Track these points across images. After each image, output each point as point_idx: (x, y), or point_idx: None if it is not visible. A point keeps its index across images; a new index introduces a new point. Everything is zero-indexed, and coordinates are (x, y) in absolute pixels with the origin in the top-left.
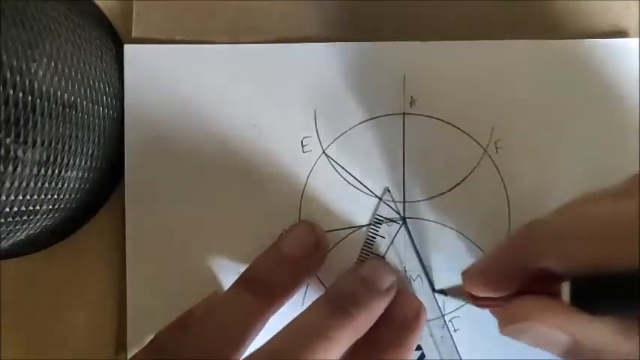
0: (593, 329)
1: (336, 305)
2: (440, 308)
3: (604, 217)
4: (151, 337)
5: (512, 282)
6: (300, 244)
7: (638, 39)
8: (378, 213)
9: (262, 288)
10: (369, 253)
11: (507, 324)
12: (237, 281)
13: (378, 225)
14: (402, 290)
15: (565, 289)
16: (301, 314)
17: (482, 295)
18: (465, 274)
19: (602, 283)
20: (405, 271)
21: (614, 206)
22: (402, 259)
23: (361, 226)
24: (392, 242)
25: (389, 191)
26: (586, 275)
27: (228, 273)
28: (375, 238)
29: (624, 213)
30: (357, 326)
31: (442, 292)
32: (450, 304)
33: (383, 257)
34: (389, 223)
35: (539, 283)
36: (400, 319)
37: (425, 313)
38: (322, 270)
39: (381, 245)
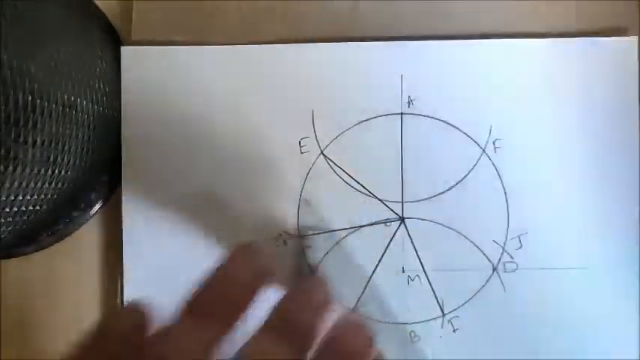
0: None
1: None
2: (441, 307)
3: None
4: None
5: None
6: (244, 267)
7: (637, 37)
8: (376, 212)
9: (210, 314)
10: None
11: None
12: (181, 308)
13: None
14: (351, 318)
15: None
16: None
17: None
18: None
19: None
20: (404, 271)
21: None
22: (400, 259)
23: (360, 227)
24: (390, 242)
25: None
26: None
27: None
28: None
29: None
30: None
31: None
32: (449, 304)
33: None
34: (388, 224)
35: None
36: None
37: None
38: (319, 271)
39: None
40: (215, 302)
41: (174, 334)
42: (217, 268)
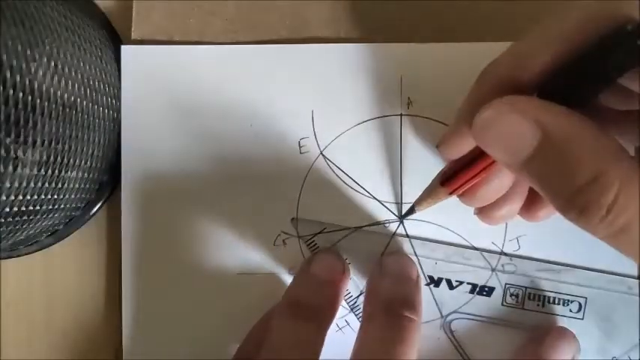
0: (563, 116)
1: (394, 314)
2: (439, 310)
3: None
4: (147, 338)
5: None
6: (331, 268)
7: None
8: (375, 213)
9: (314, 314)
10: None
11: (479, 115)
12: (287, 309)
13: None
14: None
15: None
16: (364, 335)
17: (462, 150)
18: (445, 136)
19: (567, 70)
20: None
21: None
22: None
23: (359, 227)
24: (389, 243)
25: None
26: (550, 79)
27: (225, 274)
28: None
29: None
30: (417, 325)
31: (411, 211)
32: (448, 305)
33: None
34: (387, 224)
35: None
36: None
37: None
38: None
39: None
40: (312, 302)
41: (288, 334)
42: (307, 270)
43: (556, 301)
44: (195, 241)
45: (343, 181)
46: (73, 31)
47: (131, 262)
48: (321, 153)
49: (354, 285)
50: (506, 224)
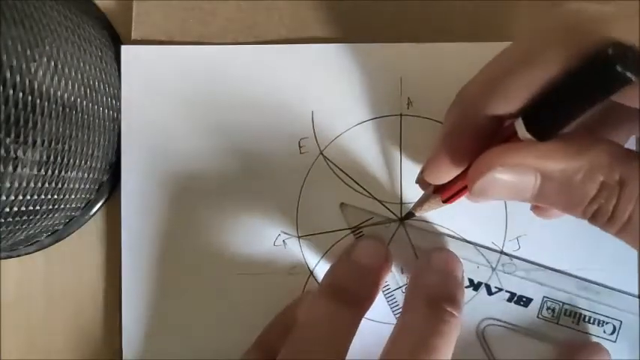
0: (554, 154)
1: (437, 307)
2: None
3: (519, 48)
4: (147, 338)
5: (470, 147)
6: (374, 255)
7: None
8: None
9: (352, 298)
10: None
11: (473, 183)
12: (325, 290)
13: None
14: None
15: (518, 123)
16: (403, 325)
17: (446, 178)
18: (427, 163)
19: (549, 101)
20: (403, 272)
21: (525, 36)
22: (400, 260)
23: (359, 227)
24: (389, 243)
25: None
26: (533, 106)
27: (225, 274)
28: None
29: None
30: (458, 322)
31: (410, 215)
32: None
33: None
34: (387, 225)
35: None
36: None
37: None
38: (321, 271)
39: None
40: (351, 287)
41: (323, 313)
42: (349, 255)
43: (591, 321)
44: (195, 241)
45: (343, 181)
46: (73, 31)
47: (131, 262)
48: (321, 153)
49: (393, 279)
50: (506, 224)
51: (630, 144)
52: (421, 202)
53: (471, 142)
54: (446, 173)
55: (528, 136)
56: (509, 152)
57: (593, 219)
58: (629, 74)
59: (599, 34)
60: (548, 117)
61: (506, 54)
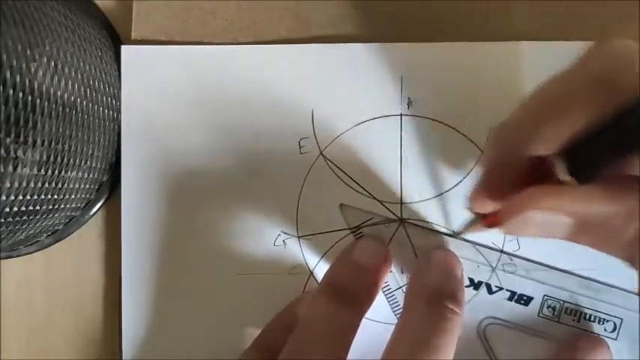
0: (592, 198)
1: (438, 304)
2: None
3: (559, 87)
4: (147, 339)
5: (508, 184)
6: (374, 255)
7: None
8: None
9: (351, 298)
10: None
11: (507, 222)
12: (325, 289)
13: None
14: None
15: (558, 164)
16: (403, 323)
17: (488, 209)
18: (471, 194)
19: (590, 144)
20: (403, 272)
21: (567, 74)
22: (400, 260)
23: (358, 228)
24: (389, 243)
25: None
26: (574, 148)
27: (225, 274)
28: None
29: (575, 75)
30: (459, 319)
31: (456, 234)
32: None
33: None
34: (387, 225)
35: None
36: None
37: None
38: (321, 271)
39: None
40: (351, 287)
41: (322, 313)
42: (348, 254)
43: (592, 319)
44: (195, 241)
45: (343, 181)
46: (73, 31)
47: (131, 262)
48: (321, 153)
49: (394, 279)
50: None
51: None
52: (469, 226)
53: (508, 180)
54: (487, 205)
55: (568, 178)
56: (547, 196)
57: (630, 264)
58: None
59: None
60: (591, 159)
61: (546, 93)
